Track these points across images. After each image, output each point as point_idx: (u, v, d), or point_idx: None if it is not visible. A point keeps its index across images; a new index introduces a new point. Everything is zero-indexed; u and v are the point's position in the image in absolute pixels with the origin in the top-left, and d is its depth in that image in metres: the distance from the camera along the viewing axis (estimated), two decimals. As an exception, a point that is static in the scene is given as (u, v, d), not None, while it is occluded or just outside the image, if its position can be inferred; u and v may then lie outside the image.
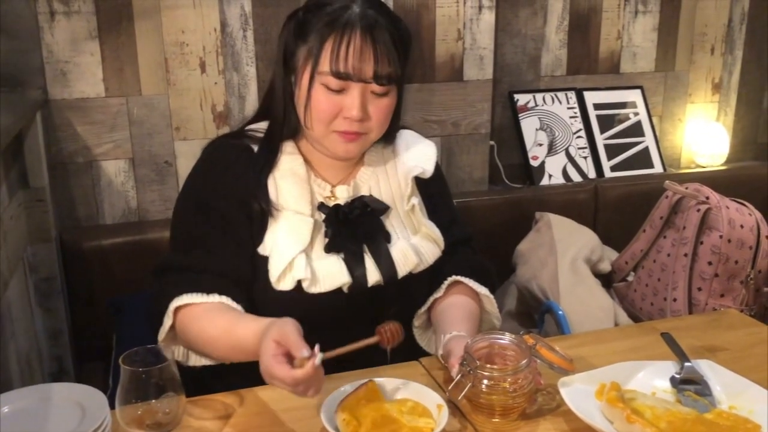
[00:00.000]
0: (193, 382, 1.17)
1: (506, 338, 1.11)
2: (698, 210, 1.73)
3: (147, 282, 1.68)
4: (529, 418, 1.08)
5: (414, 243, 1.27)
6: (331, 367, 1.15)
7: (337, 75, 1.14)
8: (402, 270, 1.23)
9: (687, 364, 1.13)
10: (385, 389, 1.09)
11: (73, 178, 1.79)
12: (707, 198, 1.75)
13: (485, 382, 1.04)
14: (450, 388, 1.05)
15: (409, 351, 1.25)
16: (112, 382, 1.57)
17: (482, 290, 1.29)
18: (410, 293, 1.27)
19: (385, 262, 1.21)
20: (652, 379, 1.12)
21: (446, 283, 1.28)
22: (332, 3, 1.17)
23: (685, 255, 1.74)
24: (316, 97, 1.16)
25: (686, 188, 1.80)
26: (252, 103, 1.89)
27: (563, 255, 1.89)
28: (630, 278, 2.00)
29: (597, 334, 1.43)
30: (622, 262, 1.98)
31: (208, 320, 1.13)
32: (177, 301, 1.14)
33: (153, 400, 0.95)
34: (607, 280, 2.00)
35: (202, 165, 1.26)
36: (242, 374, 1.12)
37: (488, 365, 1.05)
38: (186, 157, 1.86)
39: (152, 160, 1.84)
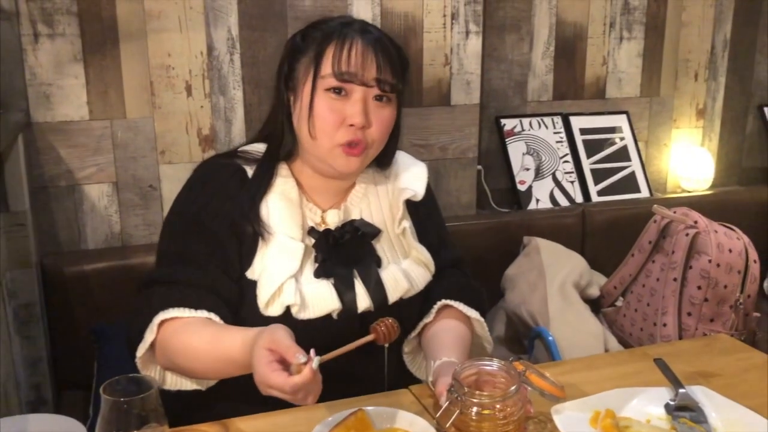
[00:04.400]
0: (173, 410, 1.13)
1: (495, 364, 1.08)
2: (687, 234, 1.73)
3: (130, 308, 1.67)
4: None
5: (404, 267, 1.25)
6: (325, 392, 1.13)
7: (340, 76, 1.14)
8: (392, 296, 1.21)
9: (681, 390, 1.11)
10: (375, 418, 1.06)
11: (55, 202, 1.75)
12: (696, 222, 1.75)
13: (474, 409, 1.01)
14: (438, 415, 1.03)
15: (398, 378, 1.22)
16: (92, 412, 1.52)
17: (473, 314, 1.27)
18: (400, 319, 1.23)
19: (376, 288, 1.20)
20: (647, 406, 1.10)
21: (436, 307, 1.26)
22: (332, 21, 1.19)
23: (675, 279, 1.74)
24: (318, 104, 1.15)
25: (674, 212, 1.80)
26: (239, 127, 1.87)
27: (552, 280, 1.88)
28: (619, 303, 1.99)
29: (588, 360, 1.41)
30: (611, 286, 1.97)
31: (191, 332, 1.08)
32: (162, 315, 1.10)
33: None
34: (595, 305, 1.99)
35: (194, 183, 1.23)
36: (218, 398, 1.10)
37: (477, 392, 1.03)
38: (171, 181, 1.83)
39: (136, 184, 1.82)
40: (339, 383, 1.06)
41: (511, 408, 1.02)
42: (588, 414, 1.07)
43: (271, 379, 0.91)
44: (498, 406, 1.01)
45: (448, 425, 1.01)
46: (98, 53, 1.72)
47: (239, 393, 1.12)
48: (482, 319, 1.29)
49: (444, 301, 1.27)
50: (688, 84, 2.49)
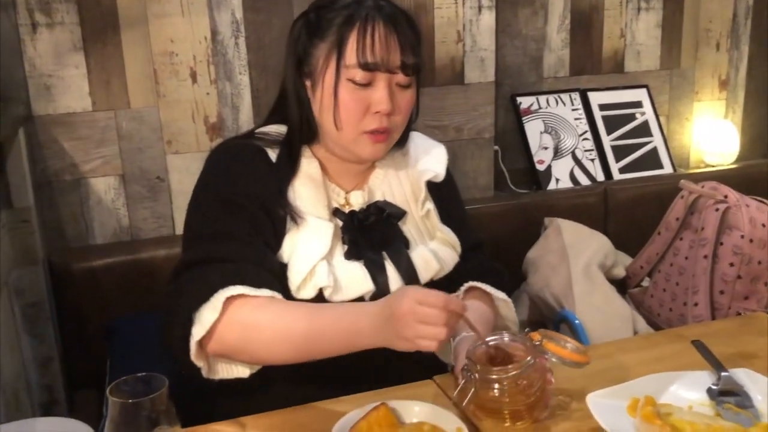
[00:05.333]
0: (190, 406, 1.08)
1: (509, 337, 1.03)
2: (717, 209, 1.65)
3: (141, 304, 1.63)
4: (556, 438, 1.00)
5: (433, 248, 1.23)
6: (336, 386, 1.08)
7: (365, 66, 1.10)
8: (424, 277, 1.19)
9: (724, 373, 1.05)
10: (399, 412, 1.01)
11: (61, 196, 1.70)
12: (725, 197, 1.67)
13: (493, 385, 0.97)
14: (455, 394, 0.99)
15: (421, 368, 1.16)
16: (105, 411, 1.48)
17: (500, 294, 1.25)
18: None
19: (407, 269, 1.17)
20: (687, 392, 1.04)
21: (463, 289, 1.24)
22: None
23: (705, 257, 1.66)
24: (343, 95, 1.12)
25: (702, 187, 1.72)
26: (246, 114, 1.81)
27: (575, 261, 1.82)
28: (645, 284, 1.92)
29: (619, 343, 1.34)
30: (637, 266, 1.90)
31: (283, 308, 1.04)
32: (227, 292, 1.02)
33: (144, 435, 0.86)
34: (621, 286, 1.92)
35: (217, 166, 1.19)
36: (262, 382, 1.08)
37: (490, 368, 0.98)
38: (179, 172, 1.78)
39: (143, 176, 1.76)
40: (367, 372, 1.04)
41: (529, 381, 0.97)
42: (625, 401, 1.01)
43: (423, 294, 0.93)
44: (514, 380, 0.97)
45: (464, 403, 0.98)
46: (99, 41, 1.67)
47: (285, 374, 1.08)
48: (509, 300, 1.27)
49: (471, 283, 1.24)
50: (710, 54, 2.40)
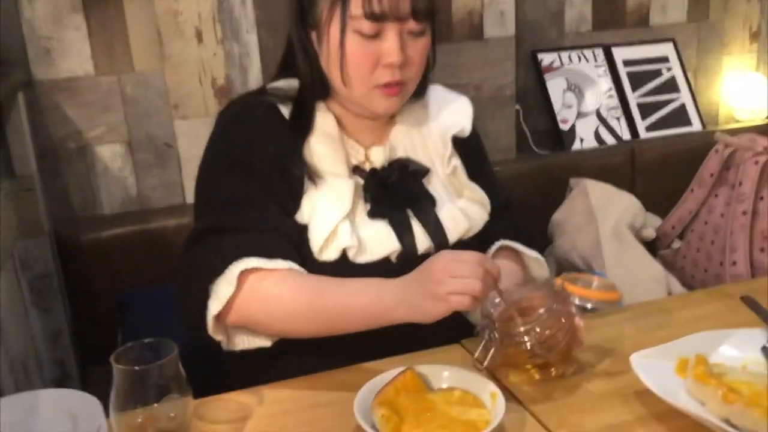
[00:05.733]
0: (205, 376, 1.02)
1: (528, 289, 0.98)
2: (756, 162, 1.57)
3: (152, 275, 1.57)
4: (598, 401, 0.93)
5: (461, 206, 1.15)
6: (358, 356, 1.01)
7: (372, 16, 1.01)
8: (453, 236, 1.11)
9: (779, 330, 0.96)
10: (427, 378, 0.93)
11: (65, 165, 1.64)
12: (765, 148, 1.58)
13: (515, 340, 0.92)
14: (475, 356, 0.93)
15: (449, 331, 1.09)
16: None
17: (532, 253, 1.20)
18: None
19: (435, 228, 1.10)
20: (739, 350, 0.96)
21: (494, 248, 1.18)
22: None
23: (744, 213, 1.58)
24: (350, 49, 1.04)
25: (739, 139, 1.63)
26: (255, 75, 1.73)
27: (604, 222, 1.75)
28: (675, 245, 1.84)
29: (657, 304, 1.27)
30: (669, 226, 1.82)
31: (304, 281, 1.00)
32: (241, 265, 0.97)
33: (155, 404, 0.80)
34: (650, 248, 1.84)
35: (228, 125, 1.12)
36: (284, 352, 1.03)
37: (508, 323, 0.93)
38: (187, 138, 1.70)
39: (151, 142, 1.69)
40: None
41: (553, 329, 0.91)
42: (673, 362, 0.94)
43: (463, 252, 0.90)
44: (536, 331, 0.90)
45: (485, 364, 0.91)
46: (99, 1, 1.59)
47: (305, 344, 1.02)
48: (542, 258, 1.21)
49: (503, 242, 1.18)
50: (740, 5, 2.28)
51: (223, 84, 1.71)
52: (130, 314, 1.57)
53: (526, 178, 1.93)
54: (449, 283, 0.87)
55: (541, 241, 1.81)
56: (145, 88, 1.66)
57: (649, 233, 1.84)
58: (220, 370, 1.14)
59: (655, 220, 1.91)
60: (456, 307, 0.88)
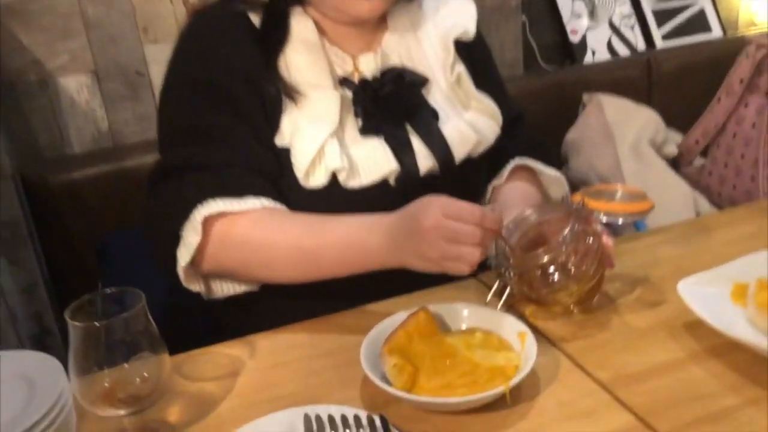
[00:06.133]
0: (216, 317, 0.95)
1: (543, 210, 0.85)
2: (793, 64, 1.41)
3: (132, 217, 1.42)
4: (641, 337, 0.81)
5: (468, 119, 1.01)
6: (359, 298, 0.89)
7: None
8: (459, 153, 0.97)
9: None
10: (443, 319, 0.81)
11: (26, 100, 1.48)
12: (804, 48, 1.42)
13: (535, 274, 0.80)
14: (489, 298, 0.82)
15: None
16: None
17: (551, 171, 1.08)
18: (469, 183, 1.01)
19: (438, 144, 0.96)
20: (802, 272, 0.83)
21: (509, 167, 1.05)
22: None
23: (779, 121, 1.43)
24: None
25: (774, 40, 1.47)
26: (232, -10, 1.54)
27: (622, 139, 1.63)
28: (697, 163, 1.70)
29: (695, 223, 1.14)
30: (692, 141, 1.68)
31: (280, 222, 0.88)
32: (203, 210, 0.85)
33: (124, 365, 0.67)
34: (672, 166, 1.71)
35: (192, 39, 0.97)
36: (273, 295, 0.91)
37: (529, 252, 0.81)
38: (160, 65, 1.49)
39: (120, 71, 1.53)
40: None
41: (579, 255, 0.79)
42: (727, 288, 0.81)
43: (453, 205, 0.75)
44: (558, 259, 0.78)
45: (500, 306, 0.81)
46: None
47: (301, 287, 0.90)
48: (562, 176, 1.09)
49: (518, 160, 1.05)
50: None
51: (197, 1, 1.53)
52: (112, 262, 1.44)
53: (535, 96, 1.78)
54: (443, 248, 0.75)
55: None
56: (109, 9, 1.49)
57: (671, 150, 1.71)
58: (207, 318, 1.02)
59: (675, 137, 1.77)
60: (450, 273, 0.77)
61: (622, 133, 1.63)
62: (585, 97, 1.76)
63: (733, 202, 1.56)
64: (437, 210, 0.75)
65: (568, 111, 1.77)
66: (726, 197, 1.59)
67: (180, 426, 0.73)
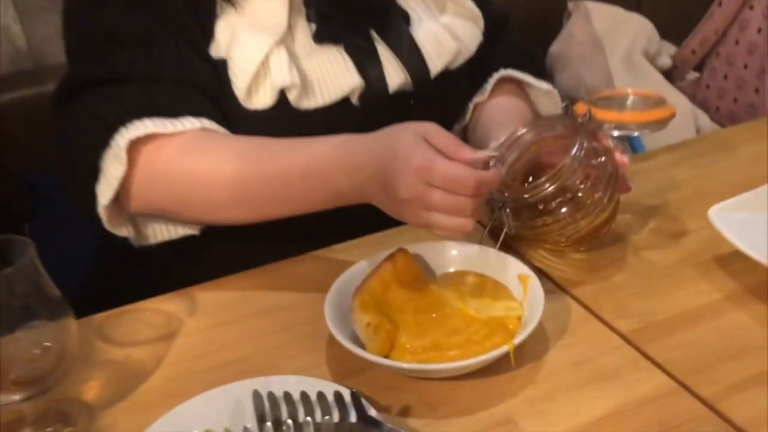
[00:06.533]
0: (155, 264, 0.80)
1: (541, 126, 0.71)
2: (810, -43, 1.25)
3: (59, 137, 1.28)
4: (665, 276, 0.68)
5: (446, 23, 0.86)
6: (322, 230, 0.75)
7: None
8: (436, 64, 0.83)
9: None
10: (426, 261, 0.66)
11: (-76, 14, 1.27)
12: (822, -61, 1.26)
13: (541, 206, 0.66)
14: (483, 235, 0.69)
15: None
16: None
17: (543, 84, 0.93)
18: (447, 100, 0.87)
19: (411, 54, 0.82)
20: None
21: (492, 80, 0.90)
22: None
23: (791, 24, 1.29)
24: None
25: (786, -70, 1.31)
26: None
27: (613, 50, 1.50)
28: (690, 77, 1.57)
29: (711, 138, 1.01)
30: (688, 51, 1.53)
31: (224, 146, 0.73)
32: (129, 132, 0.70)
33: (15, 334, 0.52)
34: (666, 79, 1.58)
35: None
36: (217, 238, 0.77)
37: (529, 181, 0.69)
38: (85, -30, 1.33)
39: (37, -22, 1.32)
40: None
41: (588, 181, 0.66)
42: (764, 213, 0.67)
43: (440, 161, 0.59)
44: (566, 186, 0.65)
45: (498, 245, 0.67)
46: None
47: (250, 227, 0.75)
48: (554, 90, 0.94)
49: (504, 71, 0.90)
50: None
51: None
52: (41, 202, 1.28)
53: (514, 5, 1.62)
54: (428, 217, 0.60)
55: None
56: None
57: (664, 62, 1.57)
58: (144, 268, 0.86)
59: (668, 48, 1.64)
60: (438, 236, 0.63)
61: (613, 43, 1.50)
62: (570, 5, 1.61)
63: (734, 118, 1.43)
64: (422, 146, 0.60)
65: (551, 21, 1.62)
66: (725, 112, 1.46)
67: (98, 407, 0.59)
